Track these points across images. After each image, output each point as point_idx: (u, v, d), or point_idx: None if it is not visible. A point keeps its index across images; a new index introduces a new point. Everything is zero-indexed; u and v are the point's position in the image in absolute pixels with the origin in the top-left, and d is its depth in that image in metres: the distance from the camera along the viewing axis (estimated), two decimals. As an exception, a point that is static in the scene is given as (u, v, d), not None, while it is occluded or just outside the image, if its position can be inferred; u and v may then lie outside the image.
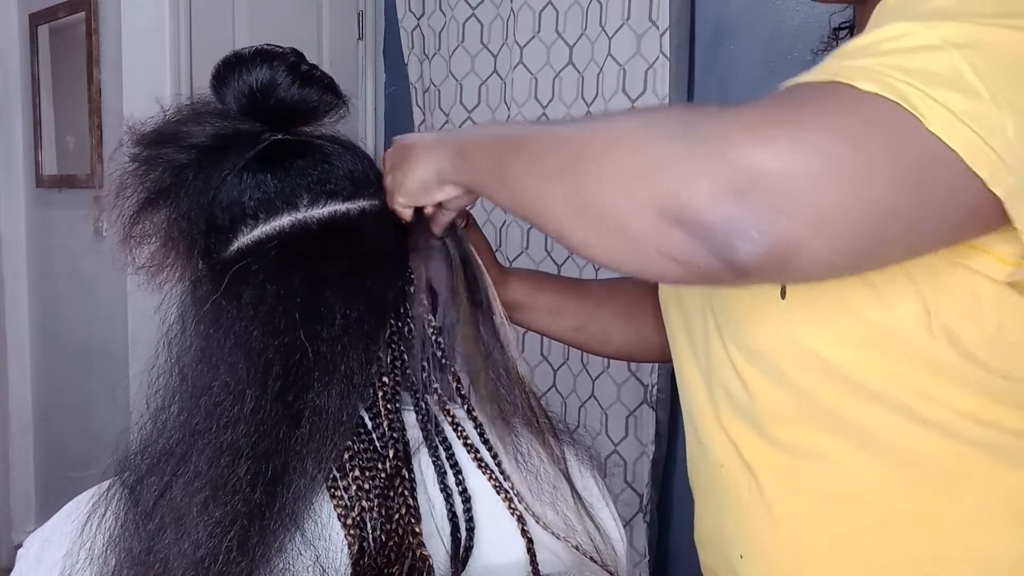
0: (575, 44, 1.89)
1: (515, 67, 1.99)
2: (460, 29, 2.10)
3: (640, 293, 0.90)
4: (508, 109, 2.01)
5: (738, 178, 0.41)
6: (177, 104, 0.64)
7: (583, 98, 1.89)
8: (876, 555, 0.58)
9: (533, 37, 1.95)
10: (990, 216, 0.43)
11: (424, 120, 2.22)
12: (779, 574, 0.63)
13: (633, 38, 1.78)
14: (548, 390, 1.94)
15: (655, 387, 1.80)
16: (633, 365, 1.82)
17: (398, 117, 2.34)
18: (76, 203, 2.27)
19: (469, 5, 2.08)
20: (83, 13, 2.14)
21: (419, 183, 0.62)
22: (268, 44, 0.64)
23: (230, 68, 0.63)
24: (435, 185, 0.62)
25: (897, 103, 0.41)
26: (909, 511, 0.57)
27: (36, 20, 2.38)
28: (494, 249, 0.83)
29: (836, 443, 0.58)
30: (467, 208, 0.68)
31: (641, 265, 0.47)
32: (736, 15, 1.75)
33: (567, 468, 0.64)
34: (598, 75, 1.85)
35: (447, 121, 2.15)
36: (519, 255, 1.99)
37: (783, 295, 0.58)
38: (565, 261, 1.90)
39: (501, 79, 2.04)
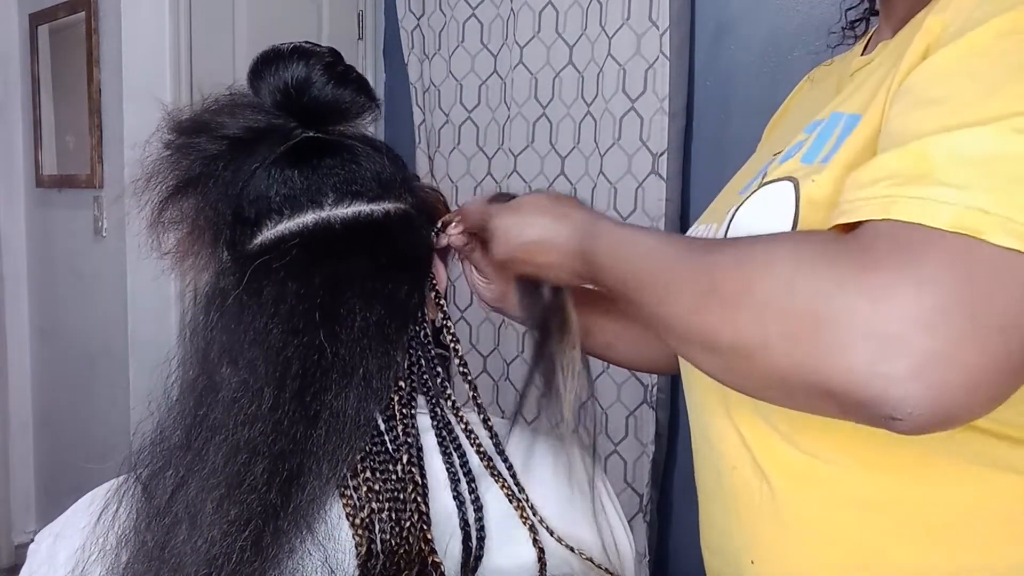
0: (575, 44, 1.89)
1: (515, 67, 1.99)
2: (460, 29, 2.10)
3: None
4: (508, 109, 2.01)
5: (877, 354, 0.40)
6: (215, 95, 0.64)
7: (583, 98, 1.89)
8: (893, 565, 0.57)
9: (533, 37, 1.95)
10: None
11: (424, 120, 2.22)
12: None
13: (633, 38, 1.78)
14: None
15: (655, 387, 1.80)
16: (633, 365, 1.82)
17: (398, 117, 2.34)
18: (76, 203, 2.27)
19: (469, 5, 2.08)
20: (83, 13, 2.14)
21: (535, 261, 0.66)
22: (307, 42, 0.64)
23: (267, 63, 0.63)
24: (551, 271, 0.65)
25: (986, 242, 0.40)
26: (928, 521, 0.56)
27: (36, 20, 2.38)
28: None
29: (855, 448, 0.57)
30: (482, 190, 0.68)
31: (796, 409, 0.48)
32: (736, 15, 1.75)
33: (589, 478, 0.65)
34: (598, 75, 1.85)
35: (447, 121, 2.15)
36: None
37: None
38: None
39: (501, 79, 2.04)
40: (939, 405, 0.40)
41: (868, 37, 0.71)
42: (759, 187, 0.61)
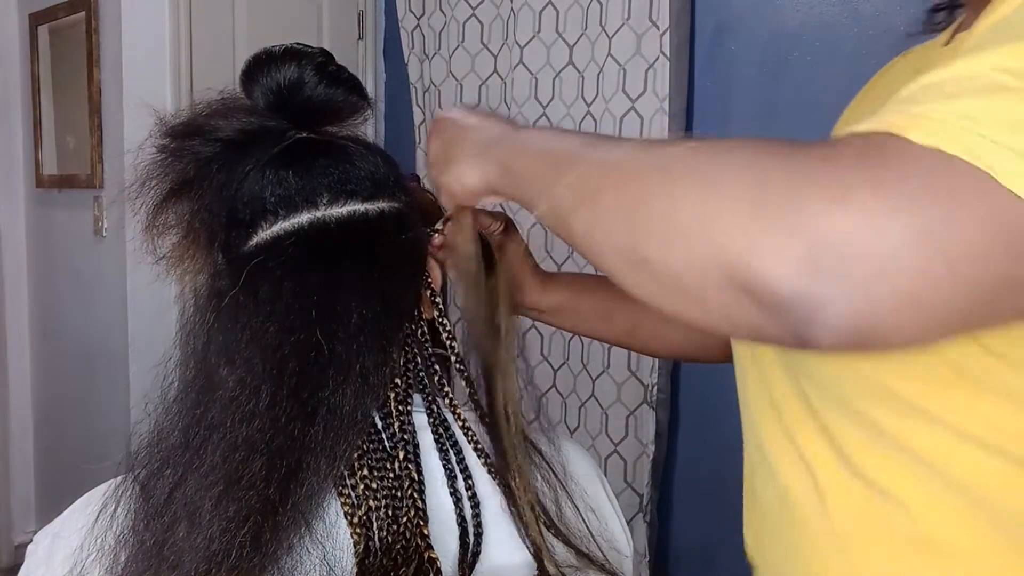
0: (575, 44, 1.89)
1: (515, 67, 1.99)
2: (460, 29, 2.10)
3: None
4: (508, 109, 2.01)
5: (815, 251, 0.37)
6: (207, 98, 0.65)
7: (583, 98, 1.89)
8: None
9: (533, 37, 1.95)
10: None
11: (424, 120, 2.22)
12: None
13: (633, 38, 1.78)
14: (548, 390, 1.95)
15: (655, 387, 1.81)
16: (633, 365, 1.82)
17: (398, 117, 2.34)
18: (76, 203, 2.27)
19: (469, 5, 2.08)
20: (83, 13, 2.15)
21: (465, 189, 0.62)
22: (299, 43, 0.64)
23: (259, 65, 0.63)
24: (481, 194, 0.62)
25: (968, 162, 0.36)
26: (1001, 566, 0.51)
27: (36, 20, 2.39)
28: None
29: (920, 483, 0.52)
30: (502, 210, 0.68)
31: (705, 324, 0.43)
32: (736, 15, 1.76)
33: (570, 473, 0.65)
34: (598, 75, 1.85)
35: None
36: (519, 255, 1.99)
37: None
38: (565, 261, 1.90)
39: (501, 79, 2.04)
40: (861, 315, 0.37)
41: (956, 26, 0.65)
42: None
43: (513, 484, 0.61)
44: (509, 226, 0.75)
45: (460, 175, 0.62)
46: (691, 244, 0.41)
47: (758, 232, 0.38)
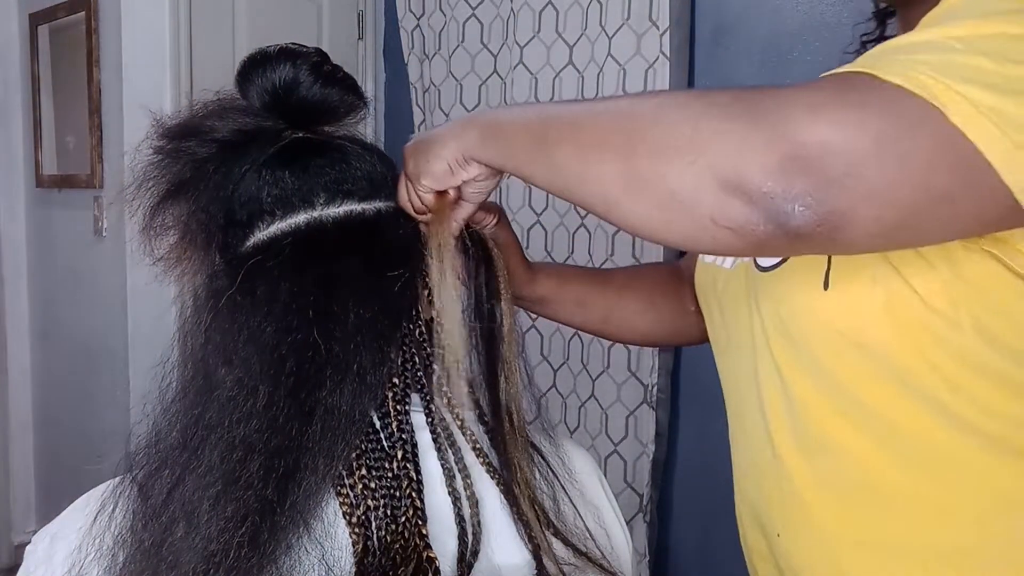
0: (575, 44, 1.89)
1: (515, 67, 1.99)
2: (460, 29, 2.10)
3: (662, 279, 0.92)
4: (508, 109, 2.01)
5: (798, 151, 0.44)
6: (203, 99, 0.64)
7: (583, 98, 1.89)
8: (901, 544, 0.61)
9: (533, 37, 1.95)
10: (1009, 208, 0.46)
11: (424, 120, 2.22)
12: (813, 556, 0.66)
13: (633, 38, 1.78)
14: (548, 390, 1.95)
15: (655, 387, 1.81)
16: (633, 365, 1.82)
17: (398, 117, 2.34)
18: (76, 203, 2.27)
19: (469, 5, 2.08)
20: (83, 13, 2.15)
21: (442, 163, 0.61)
22: (294, 43, 0.64)
23: (255, 65, 0.63)
24: (460, 164, 0.61)
25: (925, 98, 0.45)
26: (930, 504, 0.59)
27: (36, 20, 2.39)
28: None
29: (862, 437, 0.60)
30: (489, 198, 0.67)
31: (695, 234, 0.49)
32: (736, 15, 1.75)
33: (570, 471, 0.65)
34: (598, 75, 1.85)
35: (447, 121, 2.15)
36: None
37: (826, 286, 0.59)
38: (565, 261, 1.90)
39: (501, 79, 2.04)
40: (833, 202, 0.44)
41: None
42: None
43: (514, 483, 0.61)
44: (501, 218, 0.74)
45: (436, 154, 0.61)
46: (687, 159, 0.47)
47: (748, 140, 0.46)
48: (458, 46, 2.11)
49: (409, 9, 2.22)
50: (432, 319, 0.64)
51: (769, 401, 0.67)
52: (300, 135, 0.64)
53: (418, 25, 2.21)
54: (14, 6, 2.49)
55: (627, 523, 0.71)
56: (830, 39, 1.65)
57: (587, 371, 1.90)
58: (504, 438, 0.62)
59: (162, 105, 1.92)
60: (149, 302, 2.02)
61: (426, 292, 0.63)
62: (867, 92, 0.46)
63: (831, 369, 0.61)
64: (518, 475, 0.61)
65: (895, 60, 0.47)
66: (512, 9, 1.98)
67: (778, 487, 0.67)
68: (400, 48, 2.27)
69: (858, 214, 0.45)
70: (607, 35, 1.83)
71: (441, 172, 0.62)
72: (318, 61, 0.63)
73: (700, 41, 1.79)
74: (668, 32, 1.73)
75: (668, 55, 1.73)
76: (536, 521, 0.60)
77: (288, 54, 0.63)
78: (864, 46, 0.80)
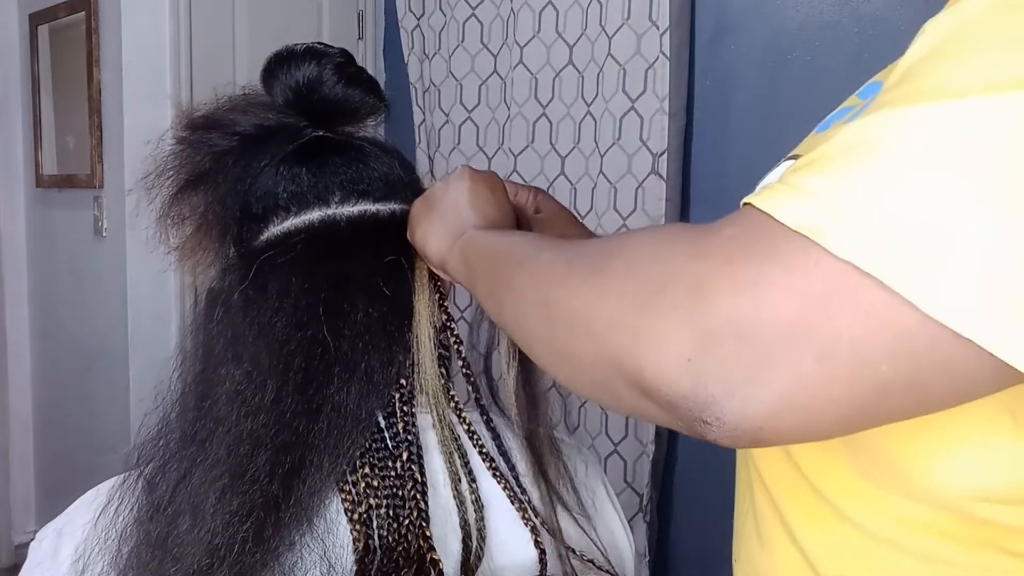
0: (575, 44, 1.89)
1: (515, 67, 1.99)
2: (460, 29, 2.10)
3: None
4: (508, 109, 2.01)
5: (691, 351, 0.35)
6: (230, 93, 0.65)
7: (583, 98, 1.89)
8: None
9: (533, 37, 1.95)
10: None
11: (424, 120, 2.22)
12: None
13: (633, 38, 1.78)
14: (548, 390, 1.94)
15: (655, 387, 1.80)
16: (633, 365, 1.82)
17: (398, 117, 2.34)
18: (76, 203, 2.27)
19: (469, 5, 2.08)
20: (83, 13, 2.14)
21: (425, 254, 0.62)
22: (320, 43, 0.65)
23: (280, 62, 0.64)
24: (435, 266, 0.62)
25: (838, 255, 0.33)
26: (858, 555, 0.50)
27: (36, 20, 2.38)
28: None
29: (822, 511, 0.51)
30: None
31: (626, 415, 0.44)
32: (736, 15, 1.76)
33: (576, 475, 0.65)
34: (598, 75, 1.85)
35: (447, 121, 2.15)
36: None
37: None
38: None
39: (501, 79, 2.04)
40: (744, 417, 0.35)
41: None
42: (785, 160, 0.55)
43: (540, 486, 0.61)
44: (540, 195, 0.73)
45: (427, 244, 0.61)
46: (592, 347, 0.41)
47: (640, 338, 0.37)
48: (458, 46, 2.11)
49: (409, 9, 2.22)
50: (444, 323, 0.64)
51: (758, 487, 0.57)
52: (320, 133, 0.65)
53: (418, 25, 2.21)
54: (14, 6, 2.49)
55: (627, 523, 0.71)
56: (830, 39, 1.65)
57: (587, 371, 1.90)
58: (539, 445, 0.63)
59: (162, 105, 1.92)
60: (149, 302, 2.02)
61: (437, 296, 0.63)
62: (759, 250, 0.35)
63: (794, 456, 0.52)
64: (543, 481, 0.61)
65: (812, 166, 0.35)
66: (512, 9, 1.98)
67: (741, 510, 0.60)
68: (400, 48, 2.27)
69: (781, 425, 0.35)
70: (607, 35, 1.82)
71: (422, 254, 0.63)
72: (343, 62, 0.64)
73: (700, 41, 1.79)
74: (668, 32, 1.73)
75: (668, 55, 1.73)
76: (553, 520, 0.60)
77: (314, 53, 0.64)
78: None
